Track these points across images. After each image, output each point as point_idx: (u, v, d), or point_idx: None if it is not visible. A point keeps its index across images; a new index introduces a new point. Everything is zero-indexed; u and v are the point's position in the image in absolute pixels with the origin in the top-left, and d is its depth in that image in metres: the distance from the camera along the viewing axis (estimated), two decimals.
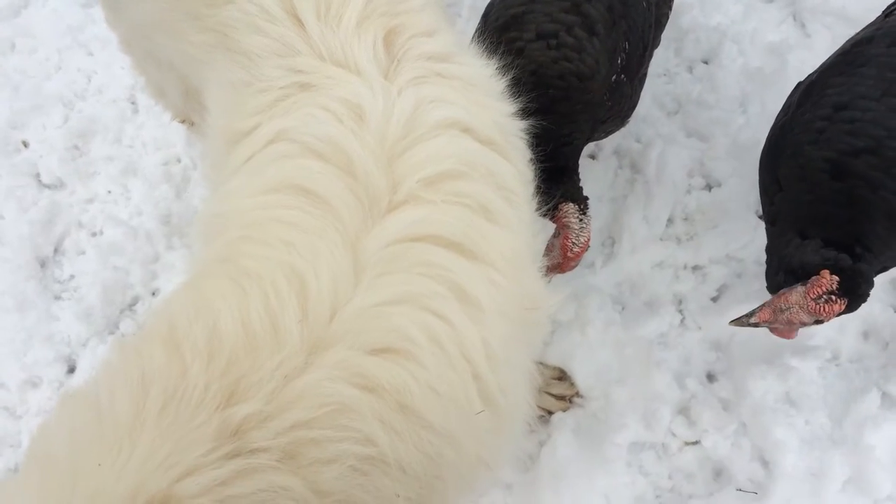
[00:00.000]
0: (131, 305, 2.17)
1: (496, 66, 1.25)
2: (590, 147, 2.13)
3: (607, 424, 1.87)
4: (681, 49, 2.38)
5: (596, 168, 2.20)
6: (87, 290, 2.17)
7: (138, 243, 2.21)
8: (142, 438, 0.76)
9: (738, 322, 1.54)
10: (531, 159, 1.26)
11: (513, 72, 1.29)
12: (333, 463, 0.81)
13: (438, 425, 0.90)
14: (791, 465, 1.79)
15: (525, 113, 1.26)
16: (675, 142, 2.21)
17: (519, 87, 1.29)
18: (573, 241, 1.55)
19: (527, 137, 1.25)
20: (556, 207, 1.55)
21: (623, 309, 2.05)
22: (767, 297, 1.52)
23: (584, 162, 1.69)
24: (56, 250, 2.28)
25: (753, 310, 1.52)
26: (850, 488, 1.77)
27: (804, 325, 1.48)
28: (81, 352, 2.11)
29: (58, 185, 2.36)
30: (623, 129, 1.88)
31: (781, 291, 1.48)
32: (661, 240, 2.11)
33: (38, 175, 2.38)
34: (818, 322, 1.46)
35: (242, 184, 1.08)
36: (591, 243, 1.59)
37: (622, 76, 1.64)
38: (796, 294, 1.44)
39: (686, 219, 2.15)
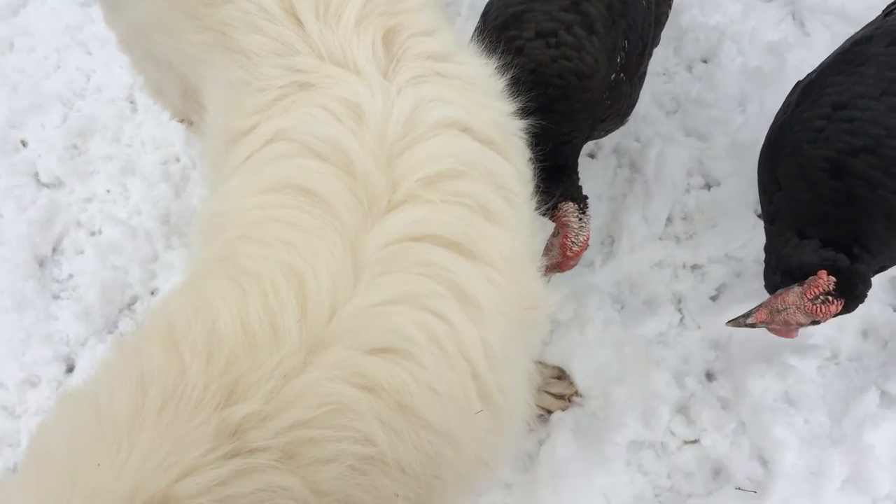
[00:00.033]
0: (130, 305, 2.17)
1: (495, 65, 1.25)
2: (589, 146, 2.13)
3: (606, 423, 1.88)
4: (680, 48, 2.38)
5: (595, 167, 2.20)
6: (85, 290, 2.17)
7: (137, 242, 2.21)
8: (141, 438, 0.76)
9: (734, 323, 1.54)
10: (530, 158, 1.26)
11: (512, 71, 1.29)
12: (332, 462, 0.81)
13: (437, 425, 0.90)
14: (790, 463, 1.79)
15: (524, 112, 1.26)
16: (674, 141, 2.21)
17: (518, 85, 1.29)
18: (572, 240, 1.55)
19: (526, 136, 1.25)
20: (555, 206, 1.55)
21: (622, 308, 2.05)
22: (766, 296, 1.52)
23: (583, 161, 1.69)
24: (55, 249, 2.27)
25: (750, 310, 1.52)
26: (849, 487, 1.77)
27: (801, 325, 1.48)
28: (80, 351, 2.11)
29: (56, 185, 2.36)
30: (622, 128, 1.88)
31: (778, 292, 1.48)
32: (660, 239, 2.11)
33: (36, 174, 2.38)
34: (815, 323, 1.45)
35: (241, 183, 1.08)
36: (590, 242, 1.59)
37: (621, 75, 1.64)
38: (793, 294, 1.44)
39: (685, 218, 2.15)
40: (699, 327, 2.00)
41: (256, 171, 1.07)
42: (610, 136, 1.93)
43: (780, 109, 1.65)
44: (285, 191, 1.01)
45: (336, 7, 1.13)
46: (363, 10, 1.14)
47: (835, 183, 1.41)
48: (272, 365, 0.83)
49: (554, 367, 1.96)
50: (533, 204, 1.24)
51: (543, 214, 1.52)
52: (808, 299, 1.41)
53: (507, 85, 1.25)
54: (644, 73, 1.79)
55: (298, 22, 1.14)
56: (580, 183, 1.63)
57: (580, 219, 1.56)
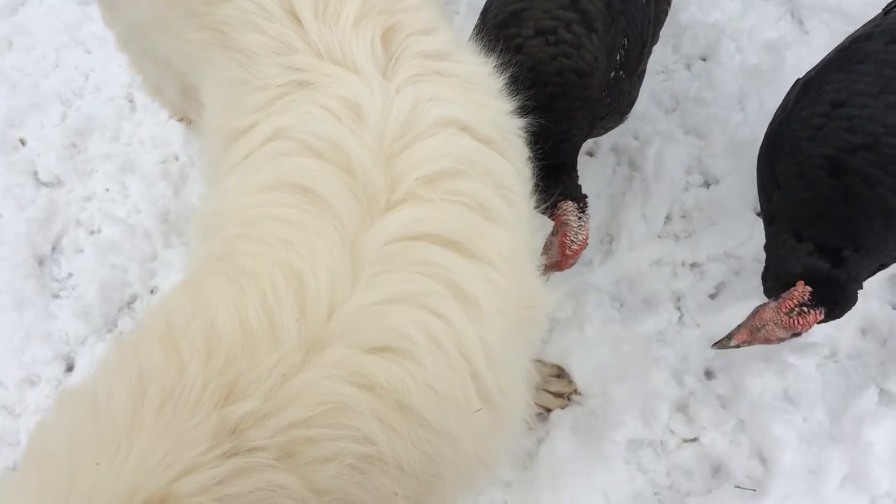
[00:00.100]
0: (129, 303, 2.17)
1: (494, 63, 1.25)
2: (588, 144, 2.13)
3: (606, 422, 1.88)
4: (679, 46, 2.38)
5: (594, 165, 2.20)
6: (85, 289, 2.17)
7: (136, 241, 2.21)
8: (139, 437, 0.76)
9: (719, 345, 1.55)
10: (529, 157, 1.26)
11: (511, 69, 1.29)
12: (331, 461, 0.81)
13: (437, 424, 0.90)
14: (789, 461, 1.79)
15: (523, 110, 1.26)
16: (673, 139, 2.21)
17: (517, 84, 1.29)
18: (571, 238, 1.55)
19: (525, 135, 1.25)
20: (554, 205, 1.55)
21: (621, 306, 2.05)
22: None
23: (581, 159, 1.69)
24: (54, 248, 2.27)
25: (732, 331, 1.53)
26: (849, 485, 1.78)
27: (782, 340, 1.47)
28: (80, 350, 2.11)
29: (56, 183, 2.36)
30: (621, 127, 1.88)
31: (756, 309, 1.49)
32: (659, 237, 2.11)
33: (35, 173, 2.38)
34: (796, 335, 1.45)
35: (240, 182, 1.08)
36: (588, 241, 1.59)
37: (621, 73, 1.63)
38: (769, 311, 1.44)
39: (684, 216, 2.15)
40: (698, 325, 2.00)
41: (255, 169, 1.07)
42: (609, 134, 1.93)
43: (779, 107, 1.65)
44: (284, 189, 1.01)
45: (335, 6, 1.13)
46: (362, 9, 1.14)
47: (833, 181, 1.41)
48: (271, 364, 0.83)
49: (553, 366, 1.96)
50: (532, 202, 1.24)
51: (543, 213, 1.52)
52: (784, 313, 1.41)
53: (506, 83, 1.25)
54: (643, 71, 1.79)
55: (297, 20, 1.14)
56: (579, 182, 1.63)
57: (579, 218, 1.56)
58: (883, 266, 1.49)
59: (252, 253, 0.96)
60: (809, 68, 1.64)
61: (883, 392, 1.86)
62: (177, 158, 2.34)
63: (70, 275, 2.23)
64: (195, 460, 0.74)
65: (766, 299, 1.50)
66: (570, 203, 1.57)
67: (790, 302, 1.40)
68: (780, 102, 1.67)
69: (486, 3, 1.72)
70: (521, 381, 1.10)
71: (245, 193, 1.05)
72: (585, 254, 1.72)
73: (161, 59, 1.50)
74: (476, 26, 1.68)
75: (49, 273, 2.24)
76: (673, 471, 1.87)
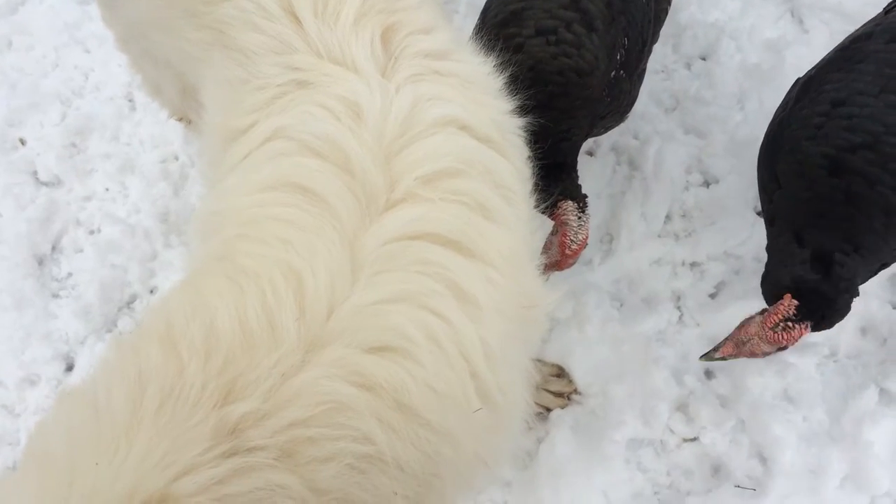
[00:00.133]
0: (129, 303, 2.17)
1: (494, 62, 1.25)
2: (587, 144, 2.13)
3: (605, 421, 1.88)
4: (679, 45, 2.38)
5: (594, 165, 2.20)
6: (84, 288, 2.17)
7: (136, 241, 2.21)
8: (139, 437, 0.76)
9: (707, 357, 1.56)
10: (529, 156, 1.26)
11: (511, 68, 1.28)
12: (331, 461, 0.81)
13: (436, 423, 0.90)
14: (789, 461, 1.79)
15: (523, 109, 1.25)
16: (672, 138, 2.21)
17: (517, 83, 1.29)
18: (571, 238, 1.55)
19: (525, 134, 1.25)
20: (554, 205, 1.55)
21: (621, 306, 2.05)
22: None
23: (581, 159, 1.69)
24: (54, 248, 2.27)
25: (718, 344, 1.53)
26: (849, 485, 1.78)
27: (767, 354, 1.47)
28: (79, 350, 2.11)
29: (55, 183, 2.36)
30: (621, 126, 1.88)
31: (742, 322, 1.49)
32: (659, 236, 2.11)
33: (35, 173, 2.38)
34: (782, 349, 1.44)
35: (239, 181, 1.08)
36: (588, 241, 1.59)
37: (621, 72, 1.63)
38: (755, 325, 1.44)
39: (684, 215, 2.15)
40: (698, 325, 2.00)
41: (254, 169, 1.07)
42: (608, 133, 1.93)
43: (779, 107, 1.65)
44: (283, 189, 1.01)
45: (334, 5, 1.13)
46: (361, 8, 1.14)
47: (833, 180, 1.41)
48: (270, 363, 0.83)
49: (553, 365, 1.96)
50: (532, 202, 1.23)
51: (542, 212, 1.52)
52: (769, 328, 1.40)
53: (506, 82, 1.25)
54: (643, 70, 1.79)
55: (297, 20, 1.14)
56: (579, 181, 1.63)
57: (579, 217, 1.56)
58: (884, 266, 1.49)
59: (251, 253, 0.96)
60: (809, 67, 1.64)
61: (883, 392, 1.86)
62: (177, 158, 2.34)
63: (70, 274, 2.23)
64: (194, 460, 0.74)
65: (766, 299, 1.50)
66: (569, 203, 1.57)
67: (775, 317, 1.39)
68: (780, 102, 1.67)
69: (487, 2, 1.71)
70: (520, 381, 1.10)
71: (244, 193, 1.05)
72: (585, 253, 1.72)
73: (160, 59, 1.50)
74: (476, 26, 1.68)
75: (49, 273, 2.24)
76: (673, 470, 1.87)
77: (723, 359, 1.53)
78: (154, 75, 1.72)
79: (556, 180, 1.54)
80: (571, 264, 1.61)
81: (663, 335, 2.00)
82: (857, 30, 1.63)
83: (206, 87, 1.28)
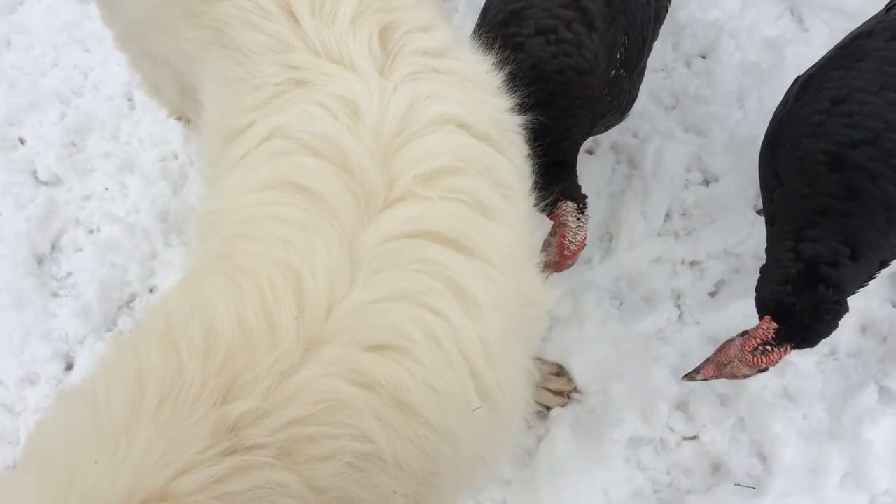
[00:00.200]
0: (129, 302, 2.17)
1: (493, 61, 1.25)
2: (587, 142, 2.12)
3: (605, 420, 1.88)
4: (678, 44, 2.38)
5: (593, 163, 2.20)
6: (84, 287, 2.17)
7: (136, 240, 2.21)
8: (138, 436, 0.76)
9: (689, 377, 1.55)
10: (529, 154, 1.26)
11: (511, 67, 1.28)
12: (330, 459, 0.81)
13: (435, 422, 0.90)
14: (789, 459, 1.80)
15: (523, 107, 1.25)
16: (672, 137, 2.21)
17: (517, 81, 1.28)
18: (570, 239, 1.54)
19: (524, 132, 1.25)
20: (554, 204, 1.55)
21: (621, 304, 2.05)
22: None
23: (581, 157, 1.69)
24: (53, 247, 2.27)
25: (699, 365, 1.53)
26: (848, 483, 1.78)
27: (748, 377, 1.47)
28: (79, 349, 2.11)
29: (55, 182, 2.36)
30: (620, 125, 1.88)
31: (723, 344, 1.49)
32: (658, 235, 2.11)
33: (34, 172, 2.37)
34: (763, 371, 1.44)
35: (238, 181, 1.08)
36: (588, 240, 1.59)
37: (621, 71, 1.63)
38: (734, 348, 1.44)
39: (684, 214, 2.15)
40: (698, 323, 2.00)
41: (253, 168, 1.07)
42: (608, 132, 1.93)
43: (780, 105, 1.65)
44: (282, 188, 1.01)
45: (332, 3, 1.13)
46: (359, 7, 1.14)
47: (834, 175, 1.40)
48: (269, 362, 0.83)
49: (553, 364, 1.96)
50: (531, 200, 1.23)
51: (541, 211, 1.52)
52: (748, 352, 1.40)
53: (506, 81, 1.25)
54: (643, 69, 1.79)
55: (294, 19, 1.13)
56: (579, 181, 1.63)
57: (578, 218, 1.55)
58: (884, 264, 1.49)
59: (250, 252, 0.96)
60: (809, 66, 1.64)
61: (883, 390, 1.87)
62: (176, 157, 2.34)
63: (69, 274, 2.23)
64: (194, 458, 0.74)
65: None
66: (569, 203, 1.56)
67: (754, 341, 1.39)
68: (780, 100, 1.66)
69: (487, 1, 1.71)
70: (520, 379, 1.10)
71: (243, 192, 1.05)
72: (585, 252, 1.72)
73: (159, 58, 1.50)
74: (476, 24, 1.68)
75: (48, 272, 2.24)
76: (673, 469, 1.87)
77: (704, 380, 1.53)
78: (153, 74, 1.72)
79: (555, 179, 1.54)
80: (570, 265, 1.60)
81: (663, 334, 2.00)
82: (858, 27, 1.63)
83: (204, 87, 1.28)
